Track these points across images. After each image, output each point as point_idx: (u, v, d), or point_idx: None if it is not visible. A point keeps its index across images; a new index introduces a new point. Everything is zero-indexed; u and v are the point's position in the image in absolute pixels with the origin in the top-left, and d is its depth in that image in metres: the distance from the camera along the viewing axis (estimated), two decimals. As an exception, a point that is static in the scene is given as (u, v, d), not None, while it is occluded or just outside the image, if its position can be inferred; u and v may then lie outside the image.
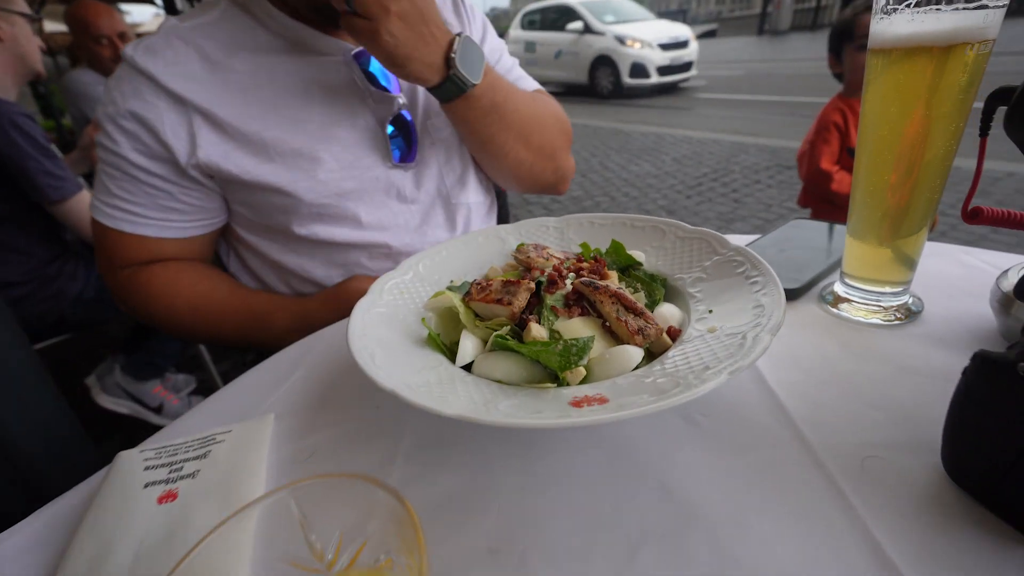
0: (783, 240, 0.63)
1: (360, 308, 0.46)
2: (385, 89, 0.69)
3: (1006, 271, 0.44)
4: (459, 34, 0.61)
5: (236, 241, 0.75)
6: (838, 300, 0.50)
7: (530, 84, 0.87)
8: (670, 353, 0.38)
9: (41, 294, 1.35)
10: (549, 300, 0.43)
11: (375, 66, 0.68)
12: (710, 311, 0.42)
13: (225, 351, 1.97)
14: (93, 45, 2.04)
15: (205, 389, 1.82)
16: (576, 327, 0.40)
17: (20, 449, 0.54)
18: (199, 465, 0.37)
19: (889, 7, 0.39)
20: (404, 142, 0.71)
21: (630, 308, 0.41)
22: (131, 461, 0.38)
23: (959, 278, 0.52)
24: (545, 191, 0.85)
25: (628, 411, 0.29)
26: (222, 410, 0.47)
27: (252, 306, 0.69)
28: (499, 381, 0.38)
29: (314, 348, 0.55)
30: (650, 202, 3.33)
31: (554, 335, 0.40)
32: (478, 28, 0.82)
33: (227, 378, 1.73)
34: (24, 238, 1.30)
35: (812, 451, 0.34)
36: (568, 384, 0.36)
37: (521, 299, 0.43)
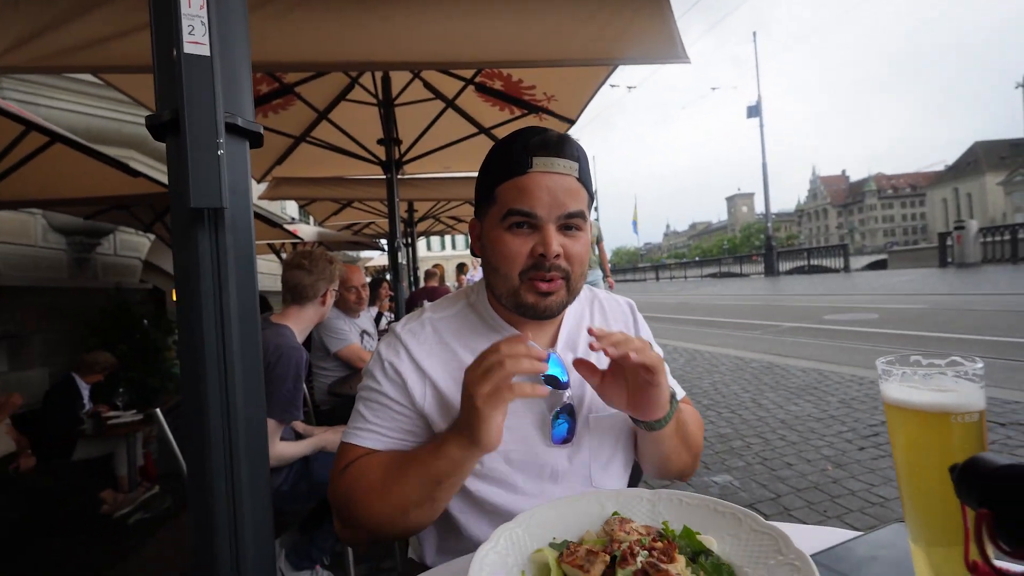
0: (880, 545, 0.64)
1: (480, 553, 0.61)
2: (559, 387, 0.89)
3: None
4: None
5: None
6: (924, 629, 0.51)
7: (678, 391, 1.02)
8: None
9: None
10: (620, 574, 0.54)
11: (553, 369, 0.86)
12: (761, 614, 0.49)
13: (365, 554, 2.15)
14: (344, 292, 2.91)
15: (343, 589, 1.97)
16: (638, 605, 0.50)
17: None
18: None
19: (885, 374, 0.52)
20: (566, 428, 0.89)
21: (685, 596, 0.50)
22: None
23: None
24: (680, 478, 0.97)
25: None
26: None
27: (430, 441, 0.82)
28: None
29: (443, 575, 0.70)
30: (812, 449, 2.99)
31: (619, 608, 0.50)
32: (646, 339, 1.03)
33: (362, 581, 1.88)
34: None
35: None
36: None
37: (597, 570, 0.55)
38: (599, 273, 6.54)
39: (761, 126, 28.17)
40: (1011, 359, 4.49)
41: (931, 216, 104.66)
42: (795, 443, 3.12)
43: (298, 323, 1.89)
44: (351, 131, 3.83)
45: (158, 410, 1.62)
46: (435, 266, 8.13)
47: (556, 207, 0.82)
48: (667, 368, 1.05)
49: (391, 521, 0.79)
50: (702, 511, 0.68)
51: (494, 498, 0.86)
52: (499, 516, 0.86)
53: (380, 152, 3.93)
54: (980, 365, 0.49)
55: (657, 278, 36.77)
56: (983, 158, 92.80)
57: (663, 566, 0.53)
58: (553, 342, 0.95)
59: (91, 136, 4.99)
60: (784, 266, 24.40)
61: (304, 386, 1.96)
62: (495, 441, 0.72)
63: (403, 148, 4.22)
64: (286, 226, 7.12)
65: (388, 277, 5.49)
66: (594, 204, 0.93)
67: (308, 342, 3.04)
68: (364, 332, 3.00)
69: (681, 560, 0.56)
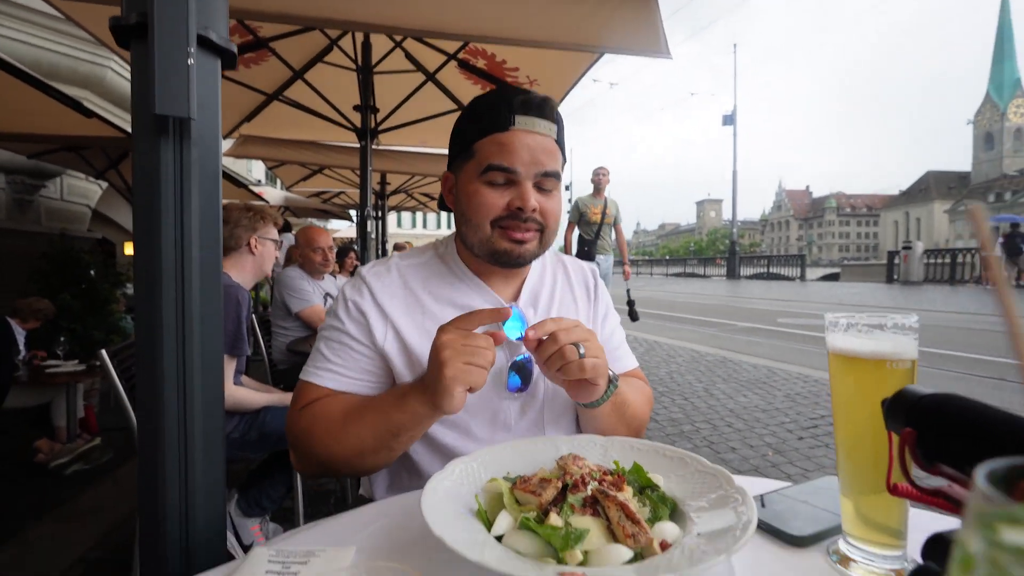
0: (812, 492, 0.69)
1: (434, 480, 0.62)
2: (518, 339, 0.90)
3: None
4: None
5: None
6: (843, 558, 0.55)
7: (630, 361, 1.06)
8: (655, 558, 0.48)
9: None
10: (571, 499, 0.56)
11: (512, 323, 0.87)
12: (698, 534, 0.52)
13: (315, 508, 2.13)
14: (310, 253, 2.84)
15: (287, 546, 1.96)
16: (585, 523, 0.52)
17: (195, 531, 0.72)
18: (300, 568, 0.52)
19: (830, 326, 0.55)
20: (520, 378, 0.90)
21: (630, 517, 0.52)
22: (260, 556, 0.55)
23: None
24: None
25: (592, 584, 0.40)
26: (325, 535, 0.63)
27: (391, 392, 0.82)
28: (518, 552, 0.50)
29: (396, 505, 0.71)
30: (756, 437, 3.15)
31: (567, 525, 0.52)
32: (603, 307, 1.04)
33: (310, 539, 1.87)
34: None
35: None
36: (567, 562, 0.47)
37: (549, 494, 0.56)
38: (611, 259, 5.86)
39: (735, 135, 28.86)
40: (943, 369, 4.82)
41: (883, 236, 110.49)
42: (741, 431, 3.27)
43: (232, 269, 1.91)
44: (327, 94, 3.70)
45: (104, 352, 1.55)
46: (405, 242, 8.04)
47: (534, 165, 0.84)
48: (623, 335, 1.08)
49: (347, 462, 0.80)
50: (651, 455, 0.71)
51: (447, 439, 0.87)
52: (451, 457, 0.87)
53: (356, 119, 3.82)
54: (915, 319, 0.53)
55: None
56: (933, 186, 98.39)
57: (612, 492, 0.55)
58: (516, 296, 0.96)
59: (42, 71, 4.63)
60: (745, 271, 25.28)
61: (249, 331, 1.93)
62: (456, 409, 0.73)
63: (379, 117, 4.12)
64: (252, 187, 6.86)
65: (356, 247, 5.39)
66: (567, 164, 0.95)
67: (264, 302, 2.95)
68: (328, 295, 2.94)
69: (629, 490, 0.59)
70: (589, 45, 2.56)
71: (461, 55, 3.30)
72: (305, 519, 1.83)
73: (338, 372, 0.87)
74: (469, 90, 3.68)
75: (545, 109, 0.85)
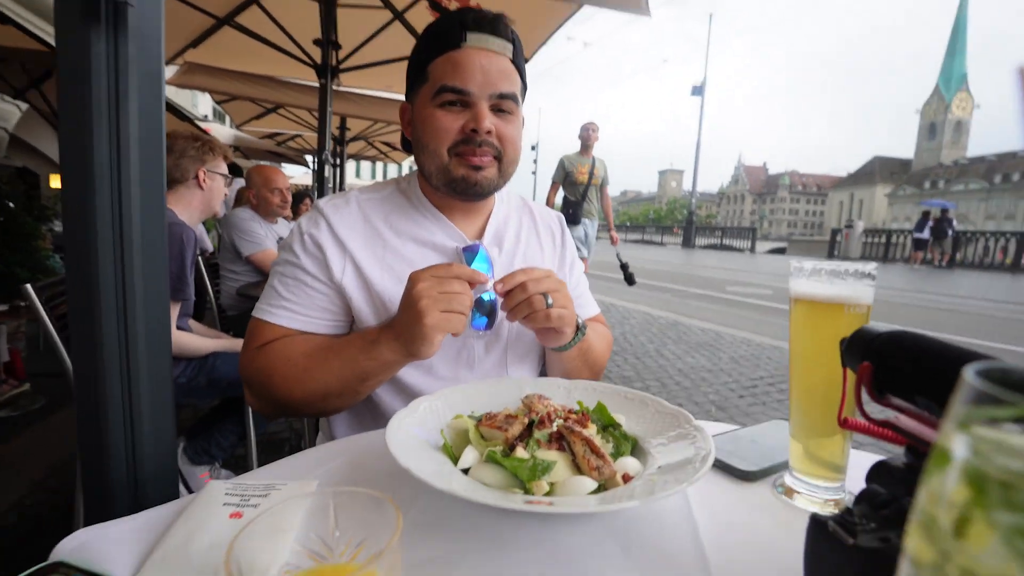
0: (760, 434, 0.73)
1: (398, 416, 0.61)
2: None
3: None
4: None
5: None
6: (788, 490, 0.58)
7: (593, 308, 1.06)
8: (618, 488, 0.50)
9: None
10: (537, 435, 0.56)
11: (478, 263, 0.87)
12: (659, 468, 0.53)
13: (270, 457, 2.11)
14: (267, 194, 2.68)
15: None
16: (551, 456, 0.53)
17: (143, 469, 0.68)
18: (260, 501, 0.51)
19: (795, 272, 0.57)
20: (486, 316, 0.87)
21: (594, 451, 0.53)
22: (217, 488, 0.53)
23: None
24: None
25: (556, 508, 0.41)
26: (284, 472, 0.62)
27: (359, 336, 0.78)
28: (485, 484, 0.51)
29: (357, 443, 0.70)
30: (701, 395, 3.33)
31: (533, 458, 0.53)
32: (569, 256, 1.05)
33: (262, 484, 1.85)
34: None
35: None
36: (533, 493, 0.48)
37: (515, 429, 0.57)
38: (596, 223, 5.49)
39: (702, 105, 29.09)
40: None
41: (828, 214, 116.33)
42: (687, 388, 3.44)
43: (178, 205, 1.76)
44: (284, 23, 3.42)
45: (29, 287, 1.42)
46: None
47: (488, 86, 0.80)
48: (587, 283, 1.09)
49: (308, 405, 0.78)
50: (613, 396, 0.72)
51: (410, 378, 0.86)
52: (414, 397, 0.86)
53: (316, 54, 3.57)
54: (873, 266, 0.55)
55: (584, 238, 37.78)
56: (878, 171, 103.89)
57: (577, 428, 0.56)
58: (480, 234, 0.93)
59: (-58, -33, 4.03)
60: (700, 241, 26.07)
61: (194, 275, 1.82)
62: (432, 354, 0.71)
63: (341, 55, 3.86)
64: (198, 122, 6.36)
65: (312, 195, 5.15)
66: (527, 92, 0.91)
67: (217, 244, 2.79)
68: (281, 239, 2.81)
69: (593, 427, 0.60)
70: (566, -8, 2.47)
71: (432, -8, 3.10)
72: (259, 466, 1.80)
73: (293, 311, 0.83)
74: (438, 33, 3.49)
75: (498, 26, 0.82)
